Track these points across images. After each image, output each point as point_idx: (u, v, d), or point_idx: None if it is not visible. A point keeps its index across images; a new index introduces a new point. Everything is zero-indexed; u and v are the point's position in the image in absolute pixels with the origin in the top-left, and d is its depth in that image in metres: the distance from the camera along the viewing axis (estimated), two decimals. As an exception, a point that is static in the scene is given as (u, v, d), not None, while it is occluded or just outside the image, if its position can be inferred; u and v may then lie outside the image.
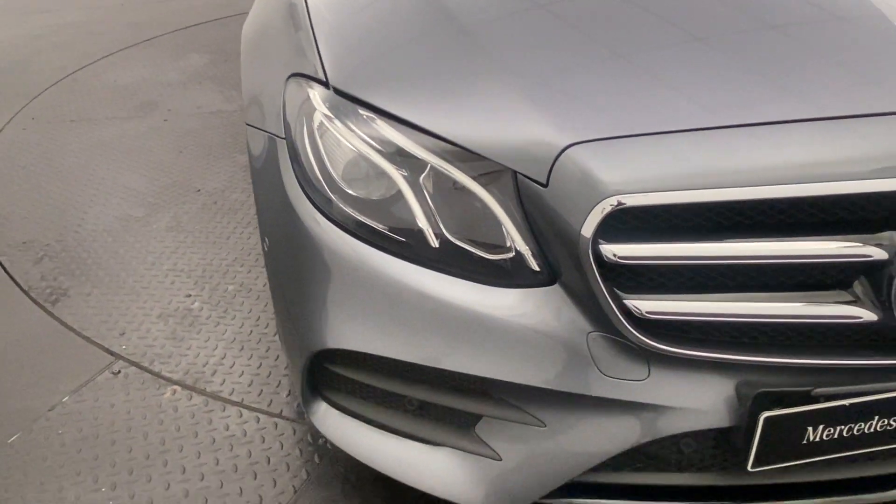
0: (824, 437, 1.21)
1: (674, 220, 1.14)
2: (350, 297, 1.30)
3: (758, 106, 1.17)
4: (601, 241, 1.13)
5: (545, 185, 1.15)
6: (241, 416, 1.84)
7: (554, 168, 1.14)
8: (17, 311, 2.24)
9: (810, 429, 1.20)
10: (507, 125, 1.20)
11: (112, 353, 2.06)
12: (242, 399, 1.89)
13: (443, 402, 1.34)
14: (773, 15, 1.34)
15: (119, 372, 1.99)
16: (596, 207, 1.10)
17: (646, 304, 1.16)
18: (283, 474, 1.69)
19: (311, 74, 1.37)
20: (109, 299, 2.28)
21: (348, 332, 1.31)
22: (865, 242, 1.13)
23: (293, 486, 1.65)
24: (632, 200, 1.10)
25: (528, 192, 1.18)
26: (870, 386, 1.20)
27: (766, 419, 1.17)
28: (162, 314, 2.21)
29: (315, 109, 1.32)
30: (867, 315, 1.17)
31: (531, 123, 1.18)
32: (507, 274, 1.23)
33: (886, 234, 1.13)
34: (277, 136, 1.39)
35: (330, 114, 1.30)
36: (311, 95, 1.34)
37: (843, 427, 1.21)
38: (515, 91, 1.22)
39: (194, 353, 2.05)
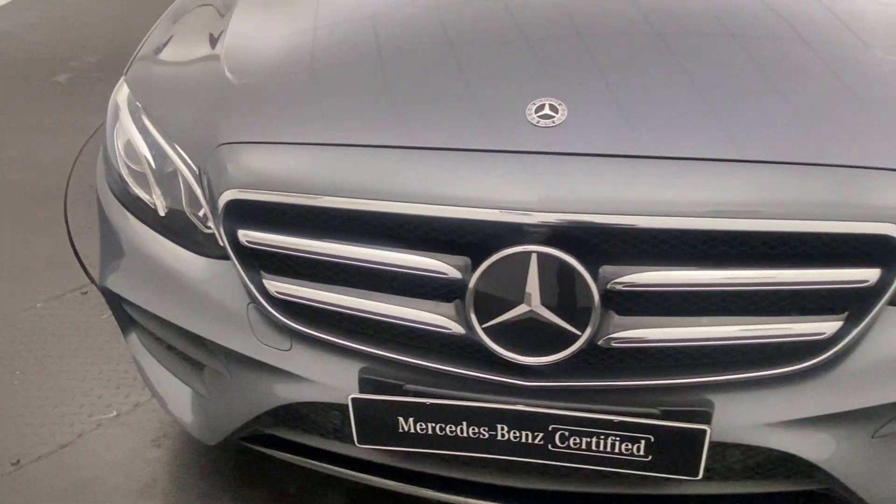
0: (418, 430, 1.35)
1: (301, 217, 1.34)
2: (112, 246, 1.64)
3: (409, 128, 1.34)
4: (240, 226, 1.37)
5: (202, 174, 1.41)
6: (140, 341, 2.26)
7: (208, 162, 1.40)
8: (49, 233, 2.84)
9: (401, 419, 1.35)
10: (202, 124, 1.47)
11: (91, 279, 2.58)
12: (152, 330, 2.31)
13: (177, 345, 1.64)
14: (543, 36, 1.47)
15: (86, 293, 2.50)
16: (221, 197, 1.35)
17: (278, 286, 1.38)
18: (124, 391, 2.08)
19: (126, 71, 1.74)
20: (115, 238, 2.82)
21: (111, 275, 1.65)
22: (446, 263, 1.27)
23: (130, 403, 2.05)
24: (242, 196, 1.33)
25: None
26: (453, 392, 1.33)
27: (353, 400, 1.34)
28: (143, 256, 2.69)
29: (117, 99, 1.68)
30: (455, 328, 1.30)
31: (213, 124, 1.44)
32: (209, 245, 1.50)
33: (464, 257, 1.26)
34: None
35: (121, 103, 1.65)
36: (120, 86, 1.70)
37: (433, 425, 1.34)
38: (225, 96, 1.48)
39: (145, 290, 2.51)
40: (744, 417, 1.30)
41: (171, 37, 1.77)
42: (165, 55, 1.72)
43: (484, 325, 1.27)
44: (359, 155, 1.32)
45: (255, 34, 1.63)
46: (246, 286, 1.40)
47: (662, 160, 1.22)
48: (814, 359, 1.26)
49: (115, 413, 2.00)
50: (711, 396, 1.30)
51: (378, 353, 1.36)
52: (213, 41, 1.64)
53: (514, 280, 1.23)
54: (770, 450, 1.33)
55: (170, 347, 1.67)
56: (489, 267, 1.22)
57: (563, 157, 1.23)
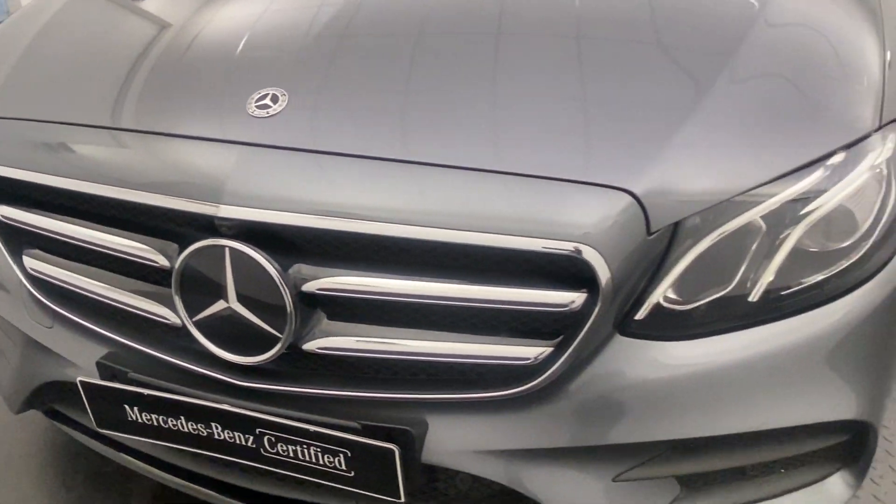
0: (145, 420, 1.33)
1: (38, 195, 1.33)
2: None
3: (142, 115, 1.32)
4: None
5: None
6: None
7: None
8: None
9: (127, 407, 1.32)
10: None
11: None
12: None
13: None
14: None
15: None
16: None
17: (32, 263, 1.39)
18: None
19: None
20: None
21: None
22: (154, 248, 1.24)
23: None
24: None
25: None
26: (169, 384, 1.29)
27: (81, 383, 1.33)
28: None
29: None
30: (174, 318, 1.26)
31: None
32: None
33: (173, 245, 1.22)
34: None
35: None
36: None
37: (157, 416, 1.31)
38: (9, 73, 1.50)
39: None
40: (456, 442, 1.21)
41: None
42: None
43: (194, 318, 1.23)
44: (80, 135, 1.30)
45: (64, 22, 1.63)
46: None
47: (356, 159, 1.14)
48: (522, 385, 1.15)
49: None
50: (428, 416, 1.21)
51: (116, 338, 1.34)
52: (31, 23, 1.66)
53: (213, 274, 1.18)
54: (490, 482, 1.23)
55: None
56: (189, 258, 1.18)
57: (257, 149, 1.17)
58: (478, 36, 1.33)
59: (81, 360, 1.40)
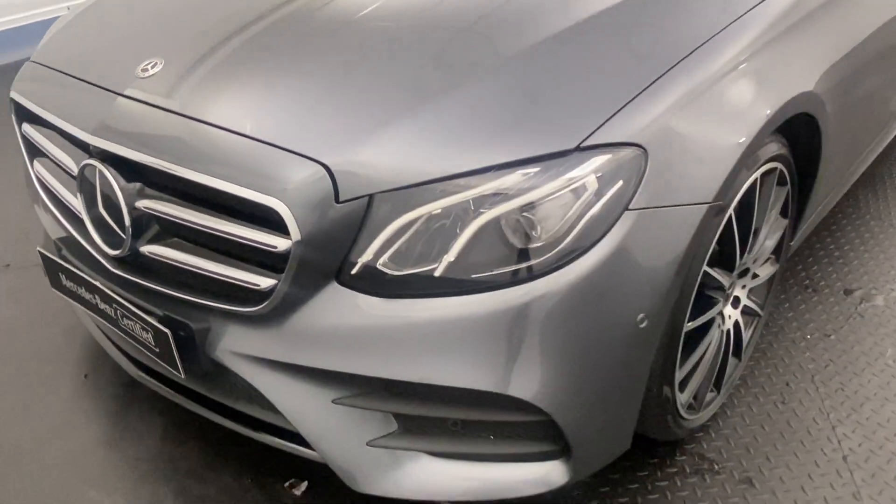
0: (69, 286, 1.83)
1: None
2: None
3: None
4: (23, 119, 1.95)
5: None
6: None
7: None
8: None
9: (61, 275, 1.83)
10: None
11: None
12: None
13: None
14: None
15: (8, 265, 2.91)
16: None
17: (38, 166, 1.94)
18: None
19: None
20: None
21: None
22: (72, 159, 1.72)
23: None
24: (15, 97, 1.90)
25: None
26: (76, 261, 1.77)
27: (39, 252, 1.85)
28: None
29: None
30: (82, 213, 1.73)
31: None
32: None
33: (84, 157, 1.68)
34: None
35: None
36: None
37: (73, 284, 1.81)
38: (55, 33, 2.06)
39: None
40: (226, 342, 1.57)
41: None
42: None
43: (89, 214, 1.69)
44: (53, 77, 1.83)
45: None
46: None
47: (178, 116, 1.53)
48: (255, 306, 1.47)
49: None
50: (211, 319, 1.57)
51: (65, 224, 1.86)
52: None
53: (93, 184, 1.64)
54: (244, 379, 1.56)
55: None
56: (82, 170, 1.65)
57: (126, 100, 1.60)
58: (301, 33, 1.67)
59: (54, 238, 1.96)
